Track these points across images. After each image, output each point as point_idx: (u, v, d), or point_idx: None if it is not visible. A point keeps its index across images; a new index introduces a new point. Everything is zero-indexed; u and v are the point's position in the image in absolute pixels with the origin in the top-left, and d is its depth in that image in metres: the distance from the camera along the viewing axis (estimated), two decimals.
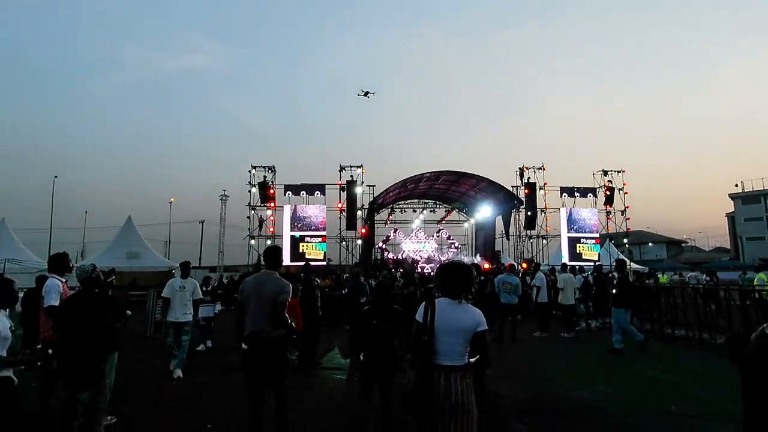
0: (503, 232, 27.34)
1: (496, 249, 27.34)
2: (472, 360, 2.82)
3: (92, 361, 3.59)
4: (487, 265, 16.88)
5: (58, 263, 4.50)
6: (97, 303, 3.65)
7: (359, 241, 24.74)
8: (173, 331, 6.65)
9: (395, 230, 33.46)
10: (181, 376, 6.30)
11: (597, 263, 17.48)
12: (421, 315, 2.84)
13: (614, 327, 8.86)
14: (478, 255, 26.33)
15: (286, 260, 21.26)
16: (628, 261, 27.32)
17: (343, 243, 24.48)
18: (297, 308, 8.50)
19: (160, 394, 5.85)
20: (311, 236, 23.78)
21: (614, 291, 9.02)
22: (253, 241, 24.03)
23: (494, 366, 6.12)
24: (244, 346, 3.86)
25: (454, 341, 2.76)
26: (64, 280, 4.47)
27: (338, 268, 22.87)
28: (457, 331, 2.76)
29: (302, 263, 9.16)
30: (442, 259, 25.78)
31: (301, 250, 23.34)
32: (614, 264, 9.64)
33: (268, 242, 23.60)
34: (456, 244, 33.05)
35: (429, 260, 25.92)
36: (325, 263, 23.47)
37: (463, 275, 2.89)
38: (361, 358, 4.25)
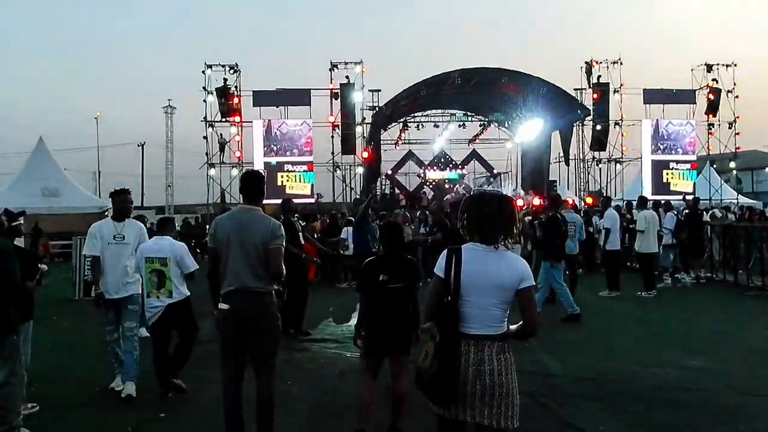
0: (561, 154, 27.16)
1: (550, 179, 27.25)
2: (512, 327, 2.84)
3: None
4: (537, 201, 16.82)
5: None
6: None
7: (360, 170, 24.68)
8: (111, 314, 5.58)
9: (409, 154, 33.43)
10: (133, 394, 5.30)
11: (692, 197, 17.34)
12: (442, 267, 2.86)
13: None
14: (520, 188, 26.25)
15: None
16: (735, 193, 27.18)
17: (338, 172, 24.42)
18: (312, 251, 8.88)
19: (97, 374, 6.04)
20: (293, 163, 23.72)
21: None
22: (212, 171, 24.20)
23: (542, 335, 6.13)
24: (221, 305, 4.00)
25: (487, 302, 2.79)
26: None
27: (332, 206, 23.17)
28: (492, 289, 2.79)
29: (280, 201, 9.10)
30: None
31: (279, 183, 23.33)
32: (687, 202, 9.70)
33: (233, 172, 23.82)
34: (495, 172, 32.99)
35: (454, 203, 25.76)
36: (313, 200, 23.68)
37: (502, 209, 2.86)
38: (361, 330, 4.39)
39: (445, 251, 2.89)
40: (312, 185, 23.83)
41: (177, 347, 5.58)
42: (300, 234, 8.39)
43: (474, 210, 2.90)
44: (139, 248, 5.58)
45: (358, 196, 24.81)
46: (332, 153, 23.86)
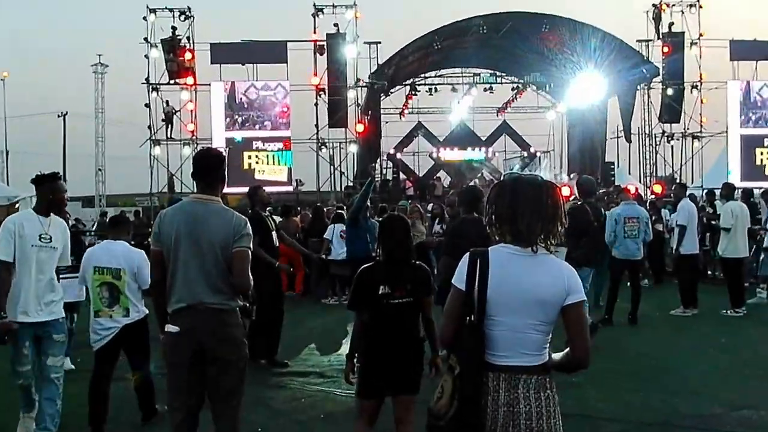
0: (620, 128, 27.06)
1: (605, 160, 27.24)
2: (556, 356, 2.86)
3: None
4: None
5: None
6: None
7: (353, 148, 24.69)
8: (26, 345, 5.22)
9: (419, 127, 33.30)
10: None
11: None
12: (463, 277, 2.87)
13: None
14: (566, 172, 26.23)
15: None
16: None
17: (323, 151, 24.49)
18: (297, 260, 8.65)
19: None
20: (264, 140, 23.74)
21: None
22: (157, 150, 24.27)
23: (595, 365, 6.13)
24: (170, 328, 4.04)
25: (523, 323, 2.81)
26: None
27: (316, 197, 23.16)
28: (529, 305, 2.80)
29: (247, 190, 9.24)
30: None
31: (246, 166, 23.41)
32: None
33: (185, 151, 23.92)
34: (532, 152, 32.88)
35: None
36: (291, 188, 23.64)
37: (542, 199, 2.87)
38: (356, 360, 4.43)
39: (467, 256, 2.90)
40: (290, 169, 23.84)
41: (138, 386, 5.64)
42: (274, 233, 8.42)
43: (505, 201, 2.90)
44: (85, 255, 5.61)
45: (350, 183, 24.82)
46: (316, 126, 23.89)
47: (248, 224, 4.16)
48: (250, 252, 4.12)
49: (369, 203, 11.68)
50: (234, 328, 4.09)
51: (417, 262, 4.58)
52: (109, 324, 5.53)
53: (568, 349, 2.83)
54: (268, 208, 9.06)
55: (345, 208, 15.63)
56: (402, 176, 31.20)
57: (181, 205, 4.32)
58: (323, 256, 13.09)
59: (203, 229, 4.06)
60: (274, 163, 23.69)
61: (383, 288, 4.30)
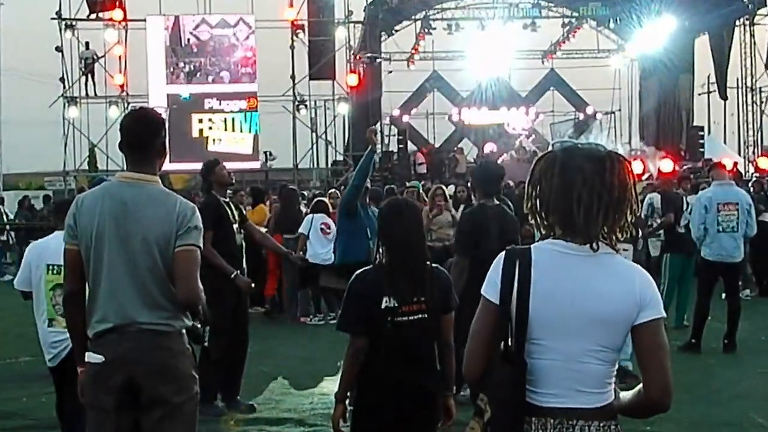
0: (711, 79, 26.78)
1: (692, 124, 27.15)
2: (624, 395, 2.86)
3: None
4: (668, 165, 16.78)
5: None
6: None
7: (343, 108, 24.92)
8: None
9: (434, 80, 32.97)
10: None
11: None
12: (496, 285, 2.86)
13: None
14: (638, 140, 26.13)
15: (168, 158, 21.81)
16: None
17: (303, 112, 24.55)
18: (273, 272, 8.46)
19: None
20: (221, 97, 23.89)
21: None
22: (73, 111, 24.37)
23: (679, 406, 6.12)
24: (91, 357, 4.03)
25: (579, 348, 2.79)
26: None
27: (293, 176, 23.24)
28: (589, 324, 2.78)
29: (202, 166, 9.08)
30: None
31: (195, 133, 23.64)
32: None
33: (112, 112, 23.97)
34: (591, 112, 32.53)
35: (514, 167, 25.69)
36: (257, 164, 23.85)
37: (605, 178, 2.82)
38: (348, 402, 4.41)
39: (502, 257, 2.89)
40: (256, 137, 23.98)
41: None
42: (236, 226, 8.38)
43: (553, 180, 2.85)
44: (32, 249, 5.82)
45: (340, 157, 24.78)
46: (293, 78, 23.92)
47: (197, 214, 4.14)
48: (199, 252, 4.10)
49: (369, 183, 11.25)
50: (179, 358, 4.06)
51: (433, 265, 4.54)
52: (65, 336, 5.51)
53: (640, 385, 2.79)
54: (228, 189, 9.00)
55: (330, 193, 15.46)
56: (411, 147, 31.10)
57: (106, 188, 4.29)
58: (307, 259, 12.77)
59: (135, 220, 4.04)
60: (234, 130, 23.79)
61: (387, 301, 4.28)
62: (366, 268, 4.57)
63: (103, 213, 4.06)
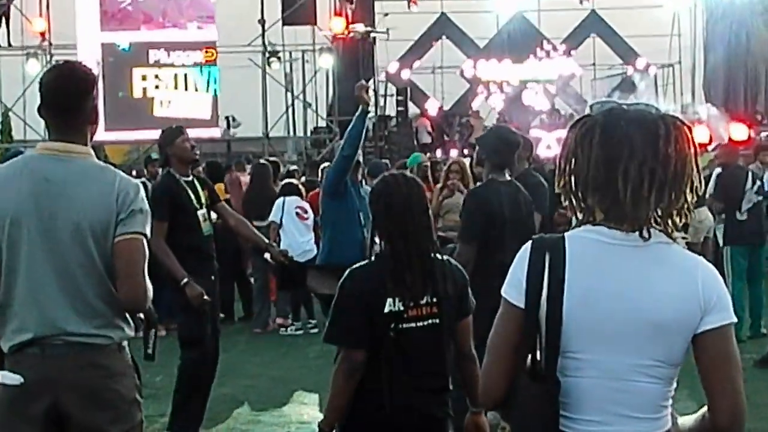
0: None
1: None
2: (683, 421, 2.82)
3: None
4: (740, 131, 16.66)
5: None
6: None
7: (326, 61, 24.89)
8: None
9: (441, 25, 31.96)
10: None
11: None
12: (521, 284, 2.75)
13: None
14: (702, 101, 25.44)
15: (102, 125, 22.00)
16: None
17: (275, 66, 24.60)
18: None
19: None
20: (170, 47, 23.77)
21: None
22: None
23: None
24: (6, 378, 3.92)
25: (627, 362, 2.70)
26: None
27: (263, 147, 23.51)
28: (639, 332, 2.68)
29: (160, 133, 8.66)
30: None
31: (137, 93, 23.71)
32: None
33: (30, 67, 23.71)
34: (641, 65, 31.28)
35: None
36: (218, 132, 24.09)
37: (657, 149, 2.64)
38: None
39: (527, 248, 2.83)
40: (215, 98, 23.68)
41: None
42: (202, 212, 7.92)
43: (592, 151, 2.70)
44: None
45: (323, 123, 24.45)
46: (261, 23, 23.62)
47: (141, 193, 4.02)
48: (146, 241, 4.00)
49: (361, 158, 10.22)
50: (117, 379, 3.95)
51: (444, 257, 4.48)
52: None
53: (704, 408, 2.76)
54: (191, 166, 8.31)
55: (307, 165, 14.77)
56: (413, 110, 30.65)
57: (24, 163, 4.19)
58: (292, 255, 11.35)
59: (63, 203, 3.91)
60: (187, 89, 23.49)
61: (393, 303, 4.21)
62: (363, 263, 4.54)
63: (21, 194, 3.99)
